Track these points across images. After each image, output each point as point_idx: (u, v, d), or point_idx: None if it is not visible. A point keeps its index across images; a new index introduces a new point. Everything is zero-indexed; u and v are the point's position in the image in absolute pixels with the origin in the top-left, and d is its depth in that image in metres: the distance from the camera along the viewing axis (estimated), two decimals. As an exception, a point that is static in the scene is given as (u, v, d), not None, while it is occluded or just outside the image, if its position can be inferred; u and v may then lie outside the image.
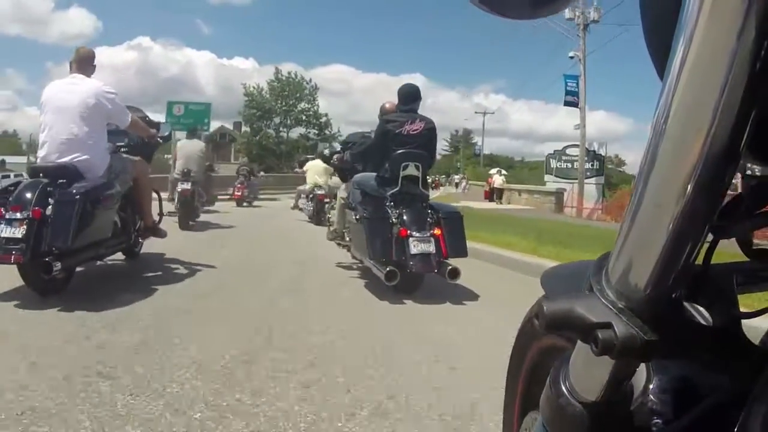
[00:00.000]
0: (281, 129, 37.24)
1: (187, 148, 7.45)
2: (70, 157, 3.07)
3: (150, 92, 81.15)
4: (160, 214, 4.32)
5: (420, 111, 3.89)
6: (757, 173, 0.44)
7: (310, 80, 37.36)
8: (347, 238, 4.27)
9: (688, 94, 0.31)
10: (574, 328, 0.38)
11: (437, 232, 3.42)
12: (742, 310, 0.44)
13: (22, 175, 8.35)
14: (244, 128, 38.01)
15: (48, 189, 2.86)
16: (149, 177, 3.90)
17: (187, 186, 6.76)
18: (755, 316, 0.46)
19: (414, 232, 3.35)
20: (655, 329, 0.36)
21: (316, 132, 36.43)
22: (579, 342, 0.44)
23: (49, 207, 2.79)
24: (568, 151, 22.53)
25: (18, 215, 2.71)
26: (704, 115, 0.31)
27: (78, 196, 2.83)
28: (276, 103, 36.11)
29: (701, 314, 0.45)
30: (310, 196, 9.06)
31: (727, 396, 0.43)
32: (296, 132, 37.58)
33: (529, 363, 0.80)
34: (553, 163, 22.87)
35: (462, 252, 3.50)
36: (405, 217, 3.43)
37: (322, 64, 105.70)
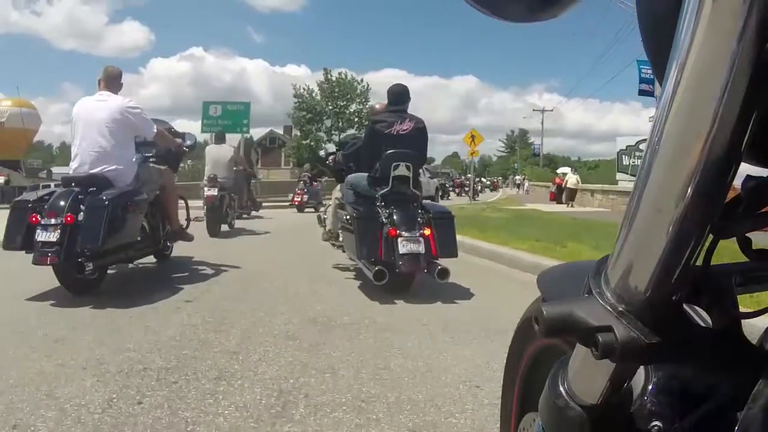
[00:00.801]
0: (332, 132, 37.36)
1: (214, 154, 7.59)
2: (99, 168, 3.44)
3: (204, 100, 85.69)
4: (188, 220, 4.76)
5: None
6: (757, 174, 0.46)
7: (362, 80, 37.31)
8: (341, 239, 4.39)
9: (688, 96, 0.33)
10: (574, 332, 0.40)
11: (427, 232, 3.56)
12: (742, 310, 0.46)
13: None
14: (294, 132, 38.70)
15: (79, 197, 3.22)
16: (175, 184, 4.31)
17: (213, 192, 6.91)
18: (755, 316, 0.47)
19: (403, 232, 3.49)
20: (656, 332, 0.37)
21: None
22: (578, 344, 0.46)
23: (81, 213, 3.13)
24: (642, 147, 21.59)
25: (53, 221, 3.07)
26: (704, 118, 0.32)
27: (107, 202, 3.17)
28: (326, 105, 36.48)
29: (701, 316, 0.47)
30: None
31: (727, 397, 0.45)
32: (348, 135, 37.62)
33: (526, 363, 0.83)
34: (626, 160, 21.91)
35: (452, 252, 3.62)
36: (395, 217, 3.57)
37: (374, 69, 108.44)
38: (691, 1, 0.32)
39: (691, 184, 0.34)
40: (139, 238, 3.72)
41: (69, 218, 3.06)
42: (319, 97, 36.70)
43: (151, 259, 4.35)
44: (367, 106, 36.44)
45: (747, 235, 0.45)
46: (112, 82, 3.73)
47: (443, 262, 3.49)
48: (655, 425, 0.48)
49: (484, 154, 69.69)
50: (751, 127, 0.33)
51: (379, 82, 36.10)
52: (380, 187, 3.79)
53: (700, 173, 0.33)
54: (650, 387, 0.50)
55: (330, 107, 36.62)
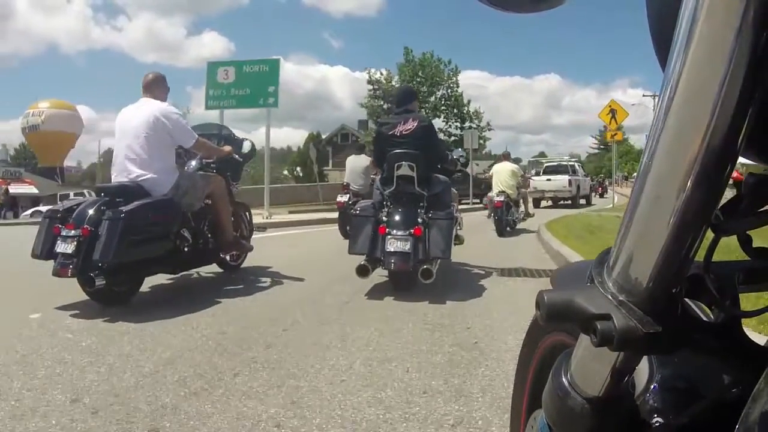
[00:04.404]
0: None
1: (351, 163, 10.00)
2: (134, 176, 4.16)
3: (287, 108, 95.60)
4: (249, 229, 5.59)
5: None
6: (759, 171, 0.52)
7: (449, 61, 37.22)
8: None
9: (688, 89, 0.40)
10: (573, 318, 0.48)
11: (417, 231, 4.36)
12: (742, 308, 0.55)
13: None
14: (370, 125, 38.65)
15: (102, 208, 3.91)
16: (226, 193, 4.98)
17: (344, 198, 9.39)
18: (756, 315, 0.55)
19: (392, 230, 4.38)
20: (654, 322, 0.45)
21: (458, 124, 35.94)
22: (581, 337, 0.56)
23: (101, 225, 3.81)
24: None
25: (72, 232, 3.80)
26: (703, 111, 0.39)
27: (123, 215, 3.82)
28: None
29: (702, 311, 0.57)
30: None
31: (727, 394, 0.54)
32: (434, 126, 37.06)
33: (536, 363, 0.98)
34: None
35: (444, 253, 4.42)
36: (390, 216, 4.49)
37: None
38: None
39: (690, 176, 0.41)
40: (185, 249, 4.45)
41: (85, 230, 3.75)
42: (398, 83, 36.28)
43: (215, 268, 5.26)
44: (456, 90, 36.24)
45: (748, 233, 0.53)
46: (152, 87, 4.51)
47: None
48: (657, 420, 0.57)
49: (573, 151, 72.55)
50: (749, 122, 0.40)
51: (461, 83, 36.25)
52: (387, 186, 4.73)
53: (698, 166, 0.40)
54: (653, 383, 0.60)
55: None
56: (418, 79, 36.28)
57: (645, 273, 0.46)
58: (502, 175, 10.46)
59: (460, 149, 6.41)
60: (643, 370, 0.62)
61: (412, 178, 4.61)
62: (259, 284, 5.02)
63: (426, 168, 4.75)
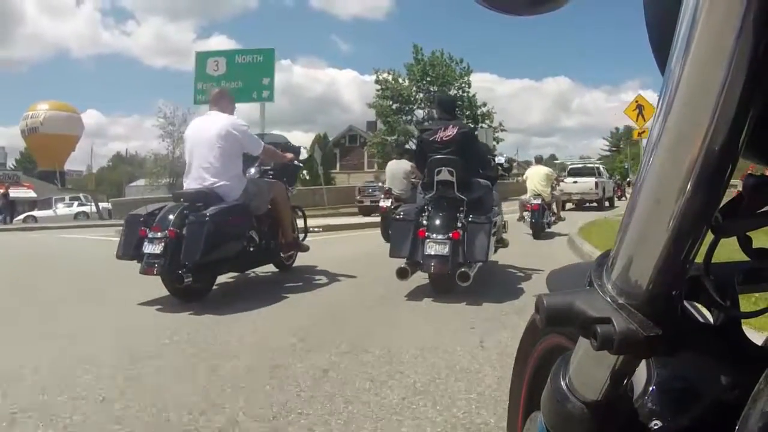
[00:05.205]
0: (425, 123, 36.54)
1: (392, 168, 10.68)
2: (208, 183, 4.79)
3: (297, 112, 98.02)
4: (305, 231, 6.35)
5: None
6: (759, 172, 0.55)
7: (461, 60, 36.96)
8: None
9: (688, 90, 0.42)
10: (573, 322, 0.52)
11: (455, 235, 4.70)
12: (742, 310, 0.59)
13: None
14: (379, 126, 39.37)
15: (185, 212, 4.53)
16: (287, 197, 5.78)
17: (386, 203, 10.06)
18: (756, 316, 0.59)
19: (431, 234, 4.74)
20: (655, 325, 0.48)
21: (471, 125, 35.26)
22: (580, 340, 0.60)
23: (185, 228, 4.43)
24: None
25: (158, 234, 4.41)
26: (703, 112, 0.41)
27: (208, 218, 4.42)
28: (417, 91, 36.84)
29: (702, 313, 0.61)
30: (527, 205, 10.83)
31: (727, 395, 0.58)
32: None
33: (533, 365, 1.01)
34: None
35: (482, 257, 4.74)
36: (430, 220, 4.86)
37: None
38: None
39: (690, 178, 0.43)
40: (251, 249, 5.09)
41: (172, 233, 4.37)
42: (406, 82, 36.76)
43: (271, 267, 5.95)
44: (468, 90, 35.86)
45: (748, 234, 0.57)
46: (218, 101, 5.18)
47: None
48: (656, 423, 0.61)
49: (583, 153, 73.64)
50: (750, 124, 0.42)
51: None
52: (428, 191, 5.16)
53: (699, 168, 0.43)
54: (652, 385, 0.64)
55: (421, 94, 36.57)
56: (429, 79, 36.17)
57: (645, 276, 0.49)
58: (536, 179, 11.02)
59: (503, 155, 6.87)
60: (641, 372, 0.66)
61: (451, 183, 5.01)
62: (315, 281, 5.71)
63: (466, 173, 5.12)
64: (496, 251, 5.80)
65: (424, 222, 4.87)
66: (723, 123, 0.41)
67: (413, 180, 9.92)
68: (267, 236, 5.47)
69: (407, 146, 27.65)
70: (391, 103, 37.15)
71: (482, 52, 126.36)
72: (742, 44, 0.38)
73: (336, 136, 48.11)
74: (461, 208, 4.97)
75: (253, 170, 5.61)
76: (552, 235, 10.79)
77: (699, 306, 0.61)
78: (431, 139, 5.29)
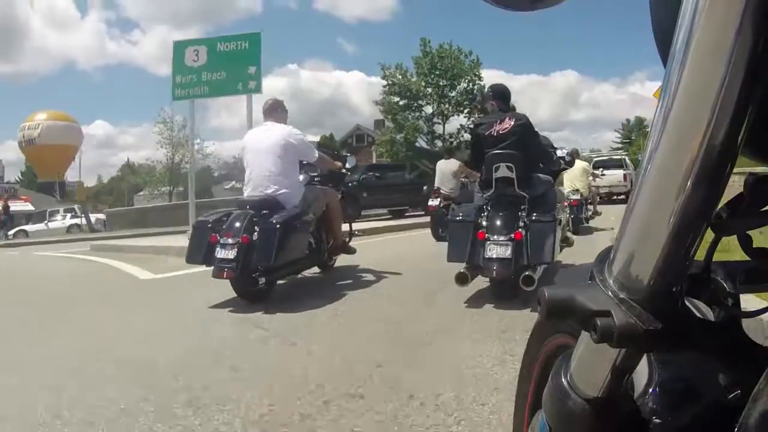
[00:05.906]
0: (435, 120, 38.05)
1: (441, 167, 11.25)
2: (270, 191, 5.23)
3: (306, 115, 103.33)
4: (350, 234, 6.82)
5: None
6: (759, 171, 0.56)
7: (470, 52, 37.09)
8: None
9: (688, 88, 0.44)
10: (573, 315, 0.55)
11: (518, 236, 4.50)
12: (743, 309, 0.62)
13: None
14: (387, 123, 39.57)
15: (254, 219, 4.96)
16: (338, 203, 6.26)
17: (435, 202, 10.77)
18: (756, 315, 0.62)
19: (492, 236, 4.54)
20: (655, 319, 0.51)
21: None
22: (581, 336, 0.65)
23: (255, 233, 4.86)
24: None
25: (230, 240, 4.81)
26: (703, 110, 0.43)
27: (278, 225, 4.84)
28: (425, 87, 36.98)
29: (702, 310, 0.63)
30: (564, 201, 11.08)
31: (728, 395, 0.60)
32: (456, 123, 37.92)
33: (541, 362, 1.06)
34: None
35: (547, 258, 4.53)
36: (490, 221, 4.67)
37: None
38: None
39: (690, 175, 0.45)
40: (306, 252, 5.51)
41: (245, 239, 4.76)
42: (415, 77, 36.75)
43: (315, 269, 6.39)
44: (479, 86, 35.67)
45: (748, 233, 0.59)
46: (272, 112, 5.68)
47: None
48: (657, 421, 0.64)
49: (594, 146, 75.03)
50: (749, 122, 0.44)
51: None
52: (486, 189, 4.97)
53: (699, 165, 0.45)
54: (653, 383, 0.67)
55: (430, 89, 36.65)
56: (437, 72, 36.33)
57: (645, 271, 0.52)
58: (574, 173, 11.16)
59: (564, 148, 6.75)
60: (642, 370, 0.67)
61: (511, 179, 4.78)
62: (360, 281, 6.13)
63: (526, 168, 4.88)
64: (561, 251, 5.49)
65: (484, 223, 4.68)
66: (723, 120, 0.43)
67: (462, 179, 10.49)
68: (317, 239, 5.93)
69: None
70: (398, 99, 37.33)
71: (489, 49, 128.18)
72: (742, 41, 0.40)
73: (343, 136, 48.26)
74: (523, 207, 4.74)
75: (301, 177, 6.00)
76: (590, 230, 10.99)
77: (700, 304, 0.63)
78: (486, 133, 5.09)
